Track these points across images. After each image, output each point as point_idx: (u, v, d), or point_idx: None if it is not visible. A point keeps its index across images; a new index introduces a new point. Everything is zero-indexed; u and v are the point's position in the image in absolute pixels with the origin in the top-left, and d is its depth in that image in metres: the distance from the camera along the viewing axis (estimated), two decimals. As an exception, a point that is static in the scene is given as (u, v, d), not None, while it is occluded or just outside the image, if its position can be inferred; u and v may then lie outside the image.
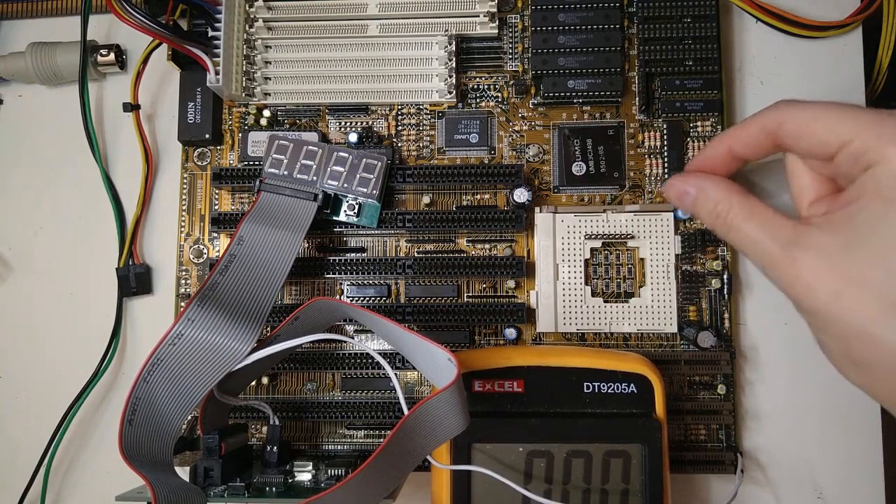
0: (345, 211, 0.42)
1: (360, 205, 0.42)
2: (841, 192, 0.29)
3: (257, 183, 0.41)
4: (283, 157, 0.41)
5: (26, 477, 0.43)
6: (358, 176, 0.41)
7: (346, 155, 0.41)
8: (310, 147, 0.41)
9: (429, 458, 0.35)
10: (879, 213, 0.25)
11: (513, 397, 0.36)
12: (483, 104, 0.45)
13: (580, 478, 0.35)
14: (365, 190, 0.41)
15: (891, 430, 0.42)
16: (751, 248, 0.29)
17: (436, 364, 0.34)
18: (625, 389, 0.36)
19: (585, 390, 0.36)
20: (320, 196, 0.40)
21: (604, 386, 0.36)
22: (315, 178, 0.41)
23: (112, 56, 0.46)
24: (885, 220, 0.25)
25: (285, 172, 0.41)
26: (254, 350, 0.35)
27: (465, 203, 0.44)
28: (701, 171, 0.32)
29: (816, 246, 0.27)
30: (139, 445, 0.33)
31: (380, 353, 0.37)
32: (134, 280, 0.45)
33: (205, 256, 0.45)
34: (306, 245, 0.44)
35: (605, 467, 0.35)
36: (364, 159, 0.41)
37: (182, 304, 0.44)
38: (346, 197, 0.42)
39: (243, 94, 0.44)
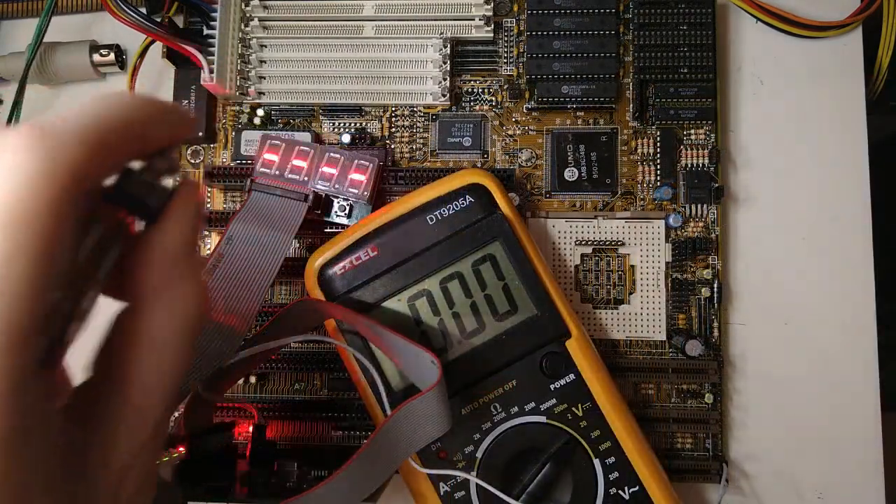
0: (335, 212, 0.42)
1: (350, 206, 0.42)
2: None
3: (248, 182, 0.41)
4: (274, 156, 0.41)
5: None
6: (349, 177, 0.41)
7: (338, 156, 0.41)
8: (301, 147, 0.41)
9: (410, 461, 0.35)
10: None
11: (372, 262, 0.38)
12: (477, 108, 0.45)
13: (462, 296, 0.37)
14: (356, 192, 0.41)
15: (891, 441, 0.42)
16: None
17: (419, 365, 0.34)
18: (463, 203, 0.38)
19: (430, 222, 0.38)
20: (311, 197, 0.40)
21: (444, 210, 0.38)
22: (306, 179, 0.41)
23: (112, 56, 0.46)
24: None
25: (276, 172, 0.41)
26: (240, 349, 0.35)
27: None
28: None
29: None
30: None
31: (363, 355, 0.37)
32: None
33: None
34: (297, 245, 0.44)
35: (478, 276, 0.37)
36: (356, 160, 0.41)
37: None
38: (338, 198, 0.42)
39: (237, 93, 0.44)
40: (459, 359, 0.37)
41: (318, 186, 0.41)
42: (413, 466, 0.36)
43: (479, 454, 0.36)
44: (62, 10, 0.48)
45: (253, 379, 0.43)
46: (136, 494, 0.22)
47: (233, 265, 0.38)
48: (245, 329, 0.35)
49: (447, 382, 0.34)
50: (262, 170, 0.41)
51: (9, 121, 0.44)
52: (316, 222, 0.43)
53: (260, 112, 0.45)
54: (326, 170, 0.41)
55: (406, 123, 0.45)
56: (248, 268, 0.38)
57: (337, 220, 0.42)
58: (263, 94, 0.44)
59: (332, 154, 0.41)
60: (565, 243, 0.43)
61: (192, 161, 0.45)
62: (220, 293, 0.37)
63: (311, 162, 0.41)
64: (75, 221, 0.19)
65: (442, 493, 0.36)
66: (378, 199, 0.42)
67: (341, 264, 0.38)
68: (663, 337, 0.42)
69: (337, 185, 0.41)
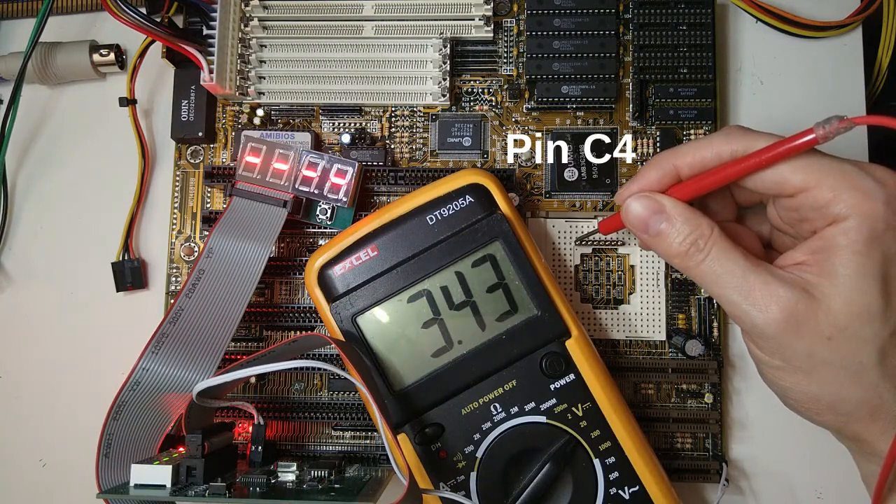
0: (317, 215, 0.42)
1: (332, 208, 0.42)
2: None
3: (228, 187, 0.40)
4: (256, 159, 0.41)
5: (25, 477, 0.44)
6: (329, 181, 0.41)
7: (318, 160, 0.41)
8: (281, 151, 0.41)
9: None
10: (856, 268, 0.29)
11: (372, 262, 0.38)
12: (477, 108, 0.45)
13: (462, 296, 0.37)
14: (335, 196, 0.41)
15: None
16: (724, 279, 0.31)
17: None
18: (463, 203, 0.38)
19: (430, 222, 0.38)
20: (289, 203, 0.40)
21: (444, 211, 0.38)
22: (287, 183, 0.41)
23: (112, 56, 0.46)
24: (861, 275, 0.29)
25: (258, 176, 0.41)
26: (239, 367, 0.35)
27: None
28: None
29: (798, 286, 0.30)
30: (116, 476, 0.35)
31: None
32: (129, 274, 0.44)
33: (195, 254, 0.45)
34: (282, 245, 0.44)
35: (478, 276, 0.38)
36: (335, 164, 0.41)
37: (171, 300, 0.44)
38: (319, 201, 0.42)
39: (237, 93, 0.44)
40: (460, 359, 0.37)
41: (300, 191, 0.41)
42: (414, 470, 0.36)
43: (479, 454, 0.36)
44: (62, 10, 0.48)
45: (253, 379, 0.43)
46: None
47: (214, 279, 0.38)
48: (227, 342, 0.37)
49: (447, 382, 0.35)
50: (243, 173, 0.41)
51: (5, 120, 0.44)
52: (299, 222, 0.43)
53: (260, 112, 0.45)
54: (307, 173, 0.41)
55: (406, 123, 0.45)
56: (230, 280, 0.38)
57: (318, 222, 0.42)
58: (263, 94, 0.44)
59: (311, 158, 0.41)
60: (565, 243, 0.43)
61: (192, 161, 0.45)
62: (204, 307, 0.38)
63: (291, 165, 0.41)
64: None
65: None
66: (361, 201, 0.43)
67: (341, 264, 0.38)
68: (663, 337, 0.42)
69: (317, 190, 0.41)
